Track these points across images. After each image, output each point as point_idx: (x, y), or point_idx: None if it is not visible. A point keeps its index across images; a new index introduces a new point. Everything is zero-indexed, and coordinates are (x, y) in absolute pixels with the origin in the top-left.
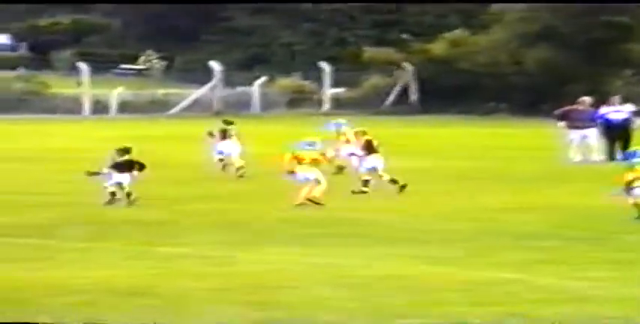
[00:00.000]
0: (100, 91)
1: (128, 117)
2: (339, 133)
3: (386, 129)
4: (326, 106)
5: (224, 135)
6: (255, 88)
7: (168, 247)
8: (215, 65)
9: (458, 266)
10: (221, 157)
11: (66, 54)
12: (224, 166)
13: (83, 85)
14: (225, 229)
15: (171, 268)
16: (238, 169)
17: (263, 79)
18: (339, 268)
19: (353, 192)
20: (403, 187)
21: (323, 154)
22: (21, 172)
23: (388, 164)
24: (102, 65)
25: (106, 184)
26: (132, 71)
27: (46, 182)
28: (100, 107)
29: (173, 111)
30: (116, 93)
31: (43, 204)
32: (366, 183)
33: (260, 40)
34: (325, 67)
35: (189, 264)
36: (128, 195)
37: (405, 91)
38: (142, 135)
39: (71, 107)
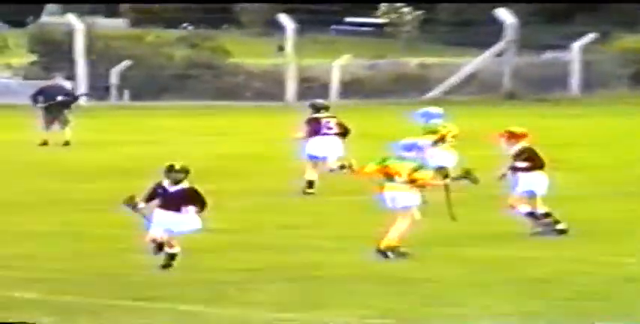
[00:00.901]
0: (313, 61)
1: (358, 103)
2: (427, 129)
3: None
4: None
5: (314, 129)
6: (575, 53)
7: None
8: (505, 15)
9: None
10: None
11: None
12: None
13: (286, 51)
14: (525, 291)
15: None
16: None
17: (588, 37)
18: None
19: (533, 234)
20: (562, 231)
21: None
22: None
23: None
24: (316, 19)
25: (148, 232)
26: (366, 28)
27: (224, 210)
28: (312, 87)
29: (433, 93)
30: (339, 64)
31: (222, 246)
32: (534, 217)
33: None
34: None
35: None
36: (172, 257)
37: None
38: (378, 133)
39: (266, 88)
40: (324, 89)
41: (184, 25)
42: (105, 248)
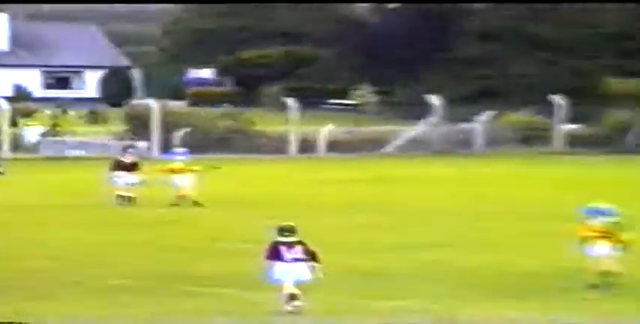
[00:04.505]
0: (308, 129)
1: (338, 156)
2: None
3: (629, 170)
4: (560, 144)
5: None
6: (479, 124)
7: (389, 300)
8: (435, 99)
9: None
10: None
11: (274, 89)
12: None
13: (290, 122)
14: (451, 281)
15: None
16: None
17: (488, 114)
18: None
19: None
20: None
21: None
22: (225, 218)
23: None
24: (311, 100)
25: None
26: (344, 106)
27: (248, 229)
28: (307, 146)
29: (387, 149)
30: (326, 130)
31: (245, 253)
32: None
33: (487, 71)
34: (560, 100)
35: (412, 319)
36: (297, 307)
37: None
38: (353, 177)
39: (277, 146)
40: (315, 147)
41: (225, 104)
42: None
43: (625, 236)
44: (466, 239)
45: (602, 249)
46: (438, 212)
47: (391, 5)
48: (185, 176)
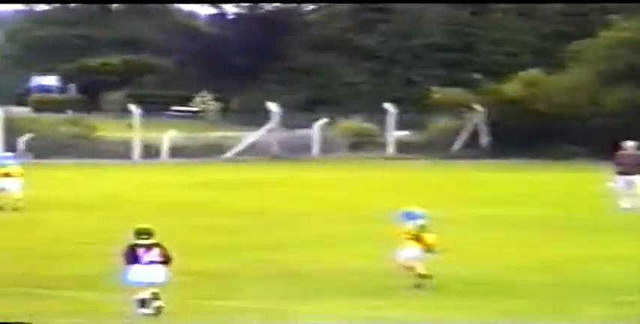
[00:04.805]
0: (151, 135)
1: (180, 162)
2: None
3: (452, 174)
4: (390, 150)
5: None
6: (315, 130)
7: (227, 300)
8: (273, 106)
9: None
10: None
11: (116, 96)
12: None
13: (133, 128)
14: (287, 281)
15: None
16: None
17: (323, 121)
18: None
19: None
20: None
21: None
22: (67, 221)
23: (455, 212)
24: (153, 107)
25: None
26: (185, 113)
27: (91, 232)
28: (150, 151)
29: (228, 155)
30: (168, 136)
31: (87, 254)
32: None
33: (321, 79)
34: (390, 108)
35: (250, 319)
36: (159, 308)
37: (475, 134)
38: (194, 181)
39: (120, 151)
40: (157, 153)
41: (67, 111)
42: None
43: (429, 238)
44: (300, 241)
45: (412, 251)
46: (274, 215)
47: (229, 15)
48: (14, 180)
